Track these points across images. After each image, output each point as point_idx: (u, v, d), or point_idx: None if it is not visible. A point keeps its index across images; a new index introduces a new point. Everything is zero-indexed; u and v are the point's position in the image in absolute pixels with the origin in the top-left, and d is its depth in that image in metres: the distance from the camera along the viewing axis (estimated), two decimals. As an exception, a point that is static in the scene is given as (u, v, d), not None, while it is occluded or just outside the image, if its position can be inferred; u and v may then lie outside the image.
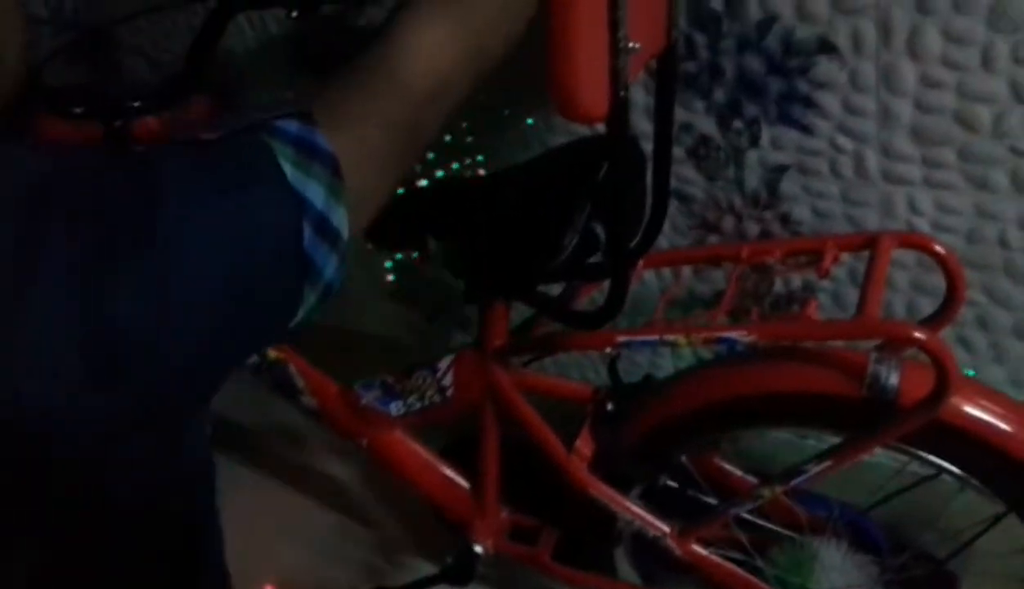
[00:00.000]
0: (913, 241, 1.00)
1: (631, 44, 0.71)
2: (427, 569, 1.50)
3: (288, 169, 0.55)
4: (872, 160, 1.14)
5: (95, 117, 0.98)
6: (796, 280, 1.21)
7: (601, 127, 0.77)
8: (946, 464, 0.97)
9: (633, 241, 0.97)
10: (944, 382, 0.87)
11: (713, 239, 1.30)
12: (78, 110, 0.98)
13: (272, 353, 1.19)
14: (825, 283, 1.23)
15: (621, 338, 0.98)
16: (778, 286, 1.15)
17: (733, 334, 0.93)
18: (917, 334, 0.87)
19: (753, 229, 1.26)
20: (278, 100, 0.62)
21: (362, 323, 1.60)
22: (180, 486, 0.61)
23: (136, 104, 0.94)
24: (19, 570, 0.55)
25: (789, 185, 1.21)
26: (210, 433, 0.66)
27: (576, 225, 0.92)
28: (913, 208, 1.14)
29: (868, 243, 1.00)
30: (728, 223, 1.28)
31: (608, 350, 1.12)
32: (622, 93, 0.74)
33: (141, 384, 0.49)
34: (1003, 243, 1.12)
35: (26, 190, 0.47)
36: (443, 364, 1.14)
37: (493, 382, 1.12)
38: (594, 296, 1.17)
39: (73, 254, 0.46)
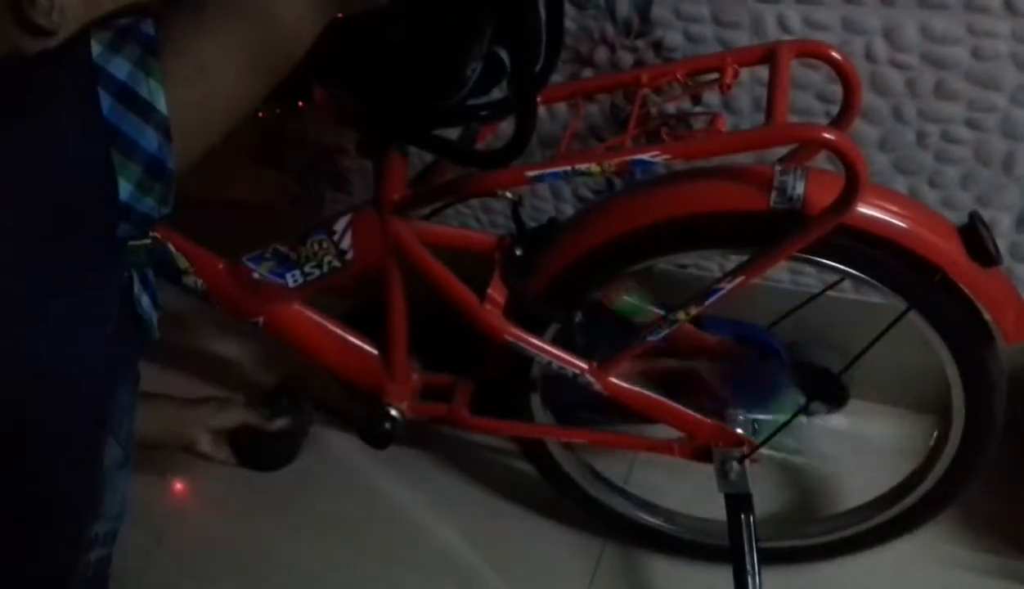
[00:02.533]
0: (810, 49, 0.96)
1: None
2: (339, 440, 1.43)
3: (96, 49, 0.55)
4: (741, -22, 1.09)
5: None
6: (687, 104, 1.16)
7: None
8: (850, 269, 0.96)
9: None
10: (854, 183, 0.84)
11: (587, 72, 1.23)
12: None
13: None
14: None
15: (531, 173, 0.90)
16: (671, 110, 1.10)
17: (646, 155, 0.86)
18: (827, 135, 0.83)
19: (627, 59, 1.20)
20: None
21: (228, 191, 1.46)
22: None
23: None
24: None
25: (660, 10, 1.14)
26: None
27: (478, 52, 0.82)
28: (783, 26, 1.10)
29: (767, 55, 0.95)
30: (601, 54, 1.21)
31: (508, 195, 1.05)
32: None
33: None
34: (869, 56, 1.09)
35: None
36: (339, 225, 1.03)
37: (395, 238, 1.03)
38: (490, 141, 1.09)
39: None
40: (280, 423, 1.16)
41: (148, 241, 0.67)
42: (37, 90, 0.55)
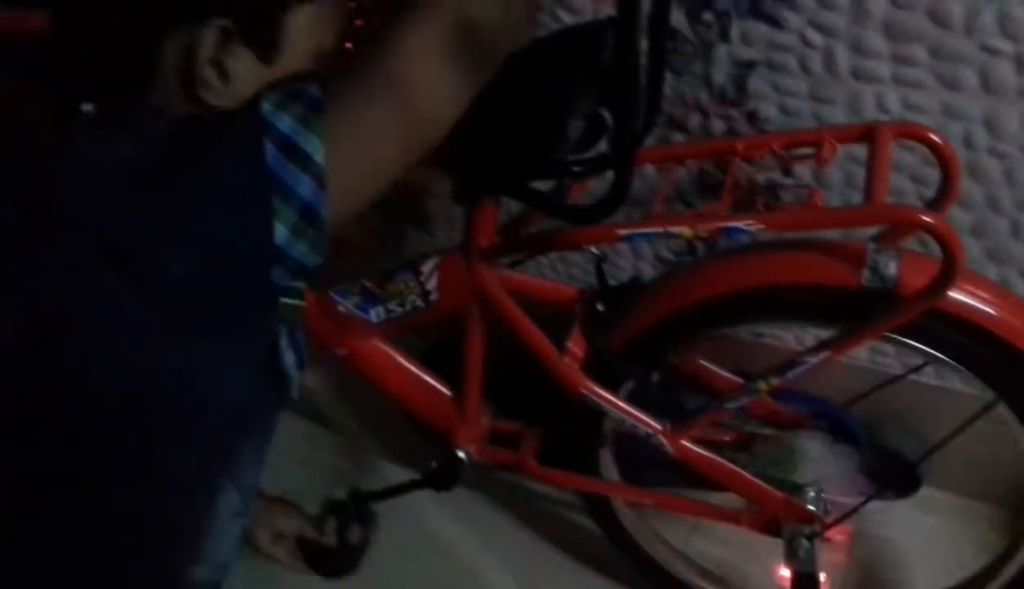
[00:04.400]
0: (910, 131, 0.95)
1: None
2: (400, 475, 1.43)
3: (266, 106, 0.59)
4: (842, 56, 1.08)
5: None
6: (776, 175, 1.15)
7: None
8: (938, 354, 0.93)
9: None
10: (951, 267, 0.82)
11: (678, 137, 1.23)
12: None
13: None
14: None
15: (622, 232, 0.90)
16: (761, 180, 1.09)
17: (740, 223, 0.86)
18: (927, 218, 0.82)
19: (719, 127, 1.20)
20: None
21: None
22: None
23: None
24: None
25: (757, 82, 1.14)
26: None
27: (581, 111, 0.83)
28: (880, 106, 1.09)
29: (866, 134, 0.94)
30: (694, 120, 1.21)
31: (593, 250, 1.05)
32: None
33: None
34: (968, 143, 1.08)
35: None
36: (427, 266, 1.04)
37: (480, 284, 1.03)
38: (577, 197, 1.09)
39: None
40: (332, 539, 1.14)
41: (303, 303, 0.69)
42: (210, 139, 0.59)
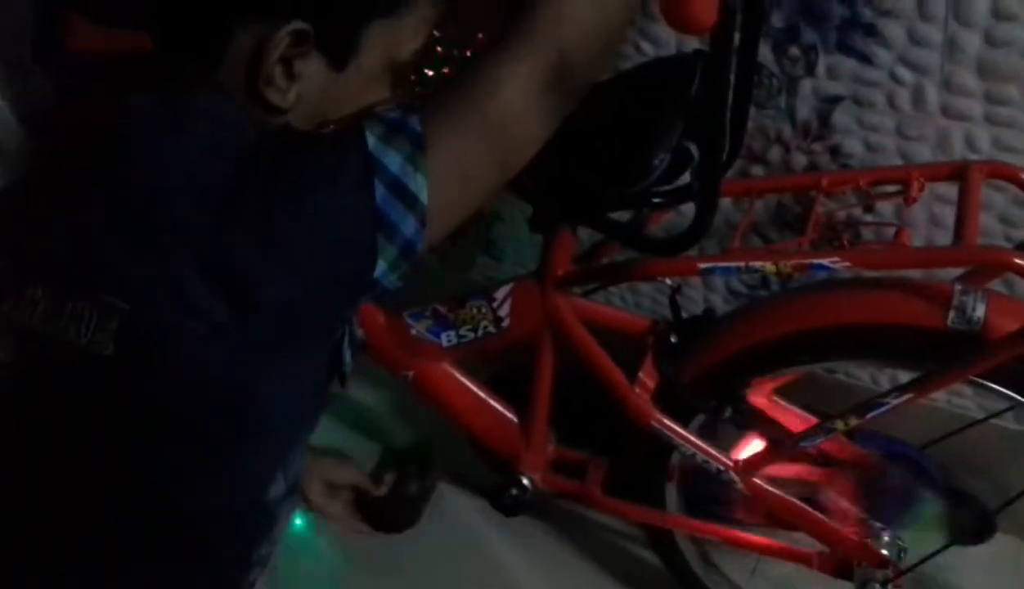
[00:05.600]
0: (1002, 171, 0.93)
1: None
2: (464, 499, 1.43)
3: (371, 140, 0.59)
4: (932, 94, 1.07)
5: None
6: (857, 212, 1.14)
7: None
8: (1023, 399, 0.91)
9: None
10: (1044, 312, 0.81)
11: (757, 170, 1.22)
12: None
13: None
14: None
15: (703, 265, 0.90)
16: (841, 216, 1.08)
17: (825, 260, 0.85)
18: (1021, 261, 0.80)
19: (800, 161, 1.19)
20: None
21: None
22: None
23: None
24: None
25: (842, 117, 1.13)
26: None
27: (668, 144, 0.83)
28: (970, 145, 1.07)
29: (956, 173, 0.92)
30: (775, 154, 1.20)
31: (668, 281, 1.05)
32: (732, 1, 0.66)
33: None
34: (1061, 185, 1.05)
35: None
36: (500, 293, 1.05)
37: (554, 312, 1.03)
38: (653, 229, 1.09)
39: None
40: (386, 490, 1.10)
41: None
42: (316, 169, 0.60)
